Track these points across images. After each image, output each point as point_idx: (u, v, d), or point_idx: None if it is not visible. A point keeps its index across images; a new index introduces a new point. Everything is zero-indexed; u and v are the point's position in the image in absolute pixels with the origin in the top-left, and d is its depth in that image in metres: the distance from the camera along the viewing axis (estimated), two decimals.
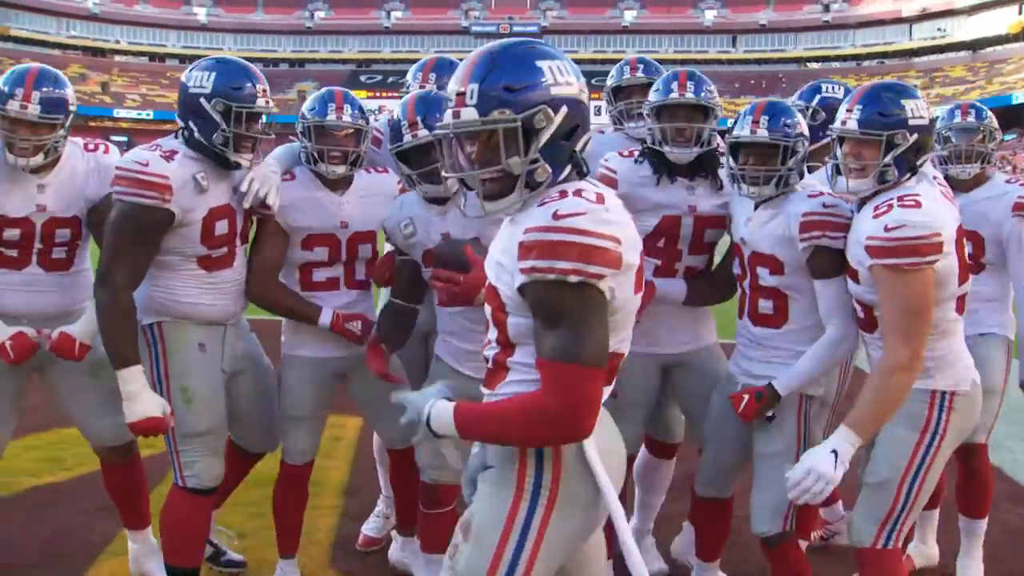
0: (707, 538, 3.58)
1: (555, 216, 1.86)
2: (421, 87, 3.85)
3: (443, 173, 2.12)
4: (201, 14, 80.00)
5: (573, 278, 1.84)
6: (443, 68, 3.92)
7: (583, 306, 1.87)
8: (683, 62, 74.80)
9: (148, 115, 64.17)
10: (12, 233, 3.25)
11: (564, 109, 1.95)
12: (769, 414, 3.13)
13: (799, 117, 3.15)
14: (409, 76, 4.00)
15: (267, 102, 3.11)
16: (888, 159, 2.80)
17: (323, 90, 3.41)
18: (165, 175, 2.97)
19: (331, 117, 3.28)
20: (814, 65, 75.83)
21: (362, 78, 72.33)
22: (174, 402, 3.15)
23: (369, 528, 4.18)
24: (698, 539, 3.62)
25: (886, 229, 2.68)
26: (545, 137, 1.94)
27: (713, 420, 3.38)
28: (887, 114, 2.82)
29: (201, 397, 3.20)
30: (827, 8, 76.47)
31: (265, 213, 3.27)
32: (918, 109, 2.84)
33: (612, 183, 3.39)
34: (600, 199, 1.93)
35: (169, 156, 3.03)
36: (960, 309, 2.85)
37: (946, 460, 2.90)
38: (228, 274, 3.24)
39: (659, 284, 3.39)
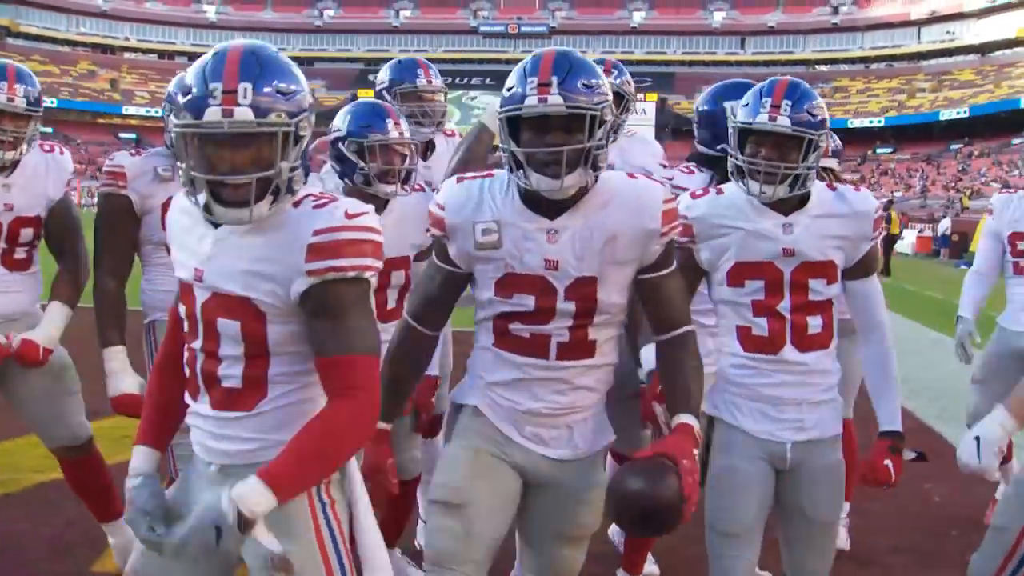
0: None
1: (348, 215, 1.92)
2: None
3: (190, 174, 1.87)
4: (210, 12, 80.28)
5: (368, 274, 1.93)
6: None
7: (366, 299, 1.95)
8: (691, 63, 74.85)
9: (157, 112, 63.89)
10: None
11: (312, 116, 1.96)
12: (912, 455, 2.67)
13: (820, 100, 2.60)
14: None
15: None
16: None
17: (366, 103, 3.22)
18: (121, 165, 3.30)
19: (393, 134, 3.09)
20: (822, 67, 75.76)
21: (371, 77, 72.04)
22: None
23: None
24: None
25: None
26: (304, 143, 1.94)
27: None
28: None
29: None
30: (836, 10, 76.41)
31: None
32: None
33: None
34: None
35: (137, 152, 3.39)
36: None
37: None
38: None
39: (643, 355, 2.78)
